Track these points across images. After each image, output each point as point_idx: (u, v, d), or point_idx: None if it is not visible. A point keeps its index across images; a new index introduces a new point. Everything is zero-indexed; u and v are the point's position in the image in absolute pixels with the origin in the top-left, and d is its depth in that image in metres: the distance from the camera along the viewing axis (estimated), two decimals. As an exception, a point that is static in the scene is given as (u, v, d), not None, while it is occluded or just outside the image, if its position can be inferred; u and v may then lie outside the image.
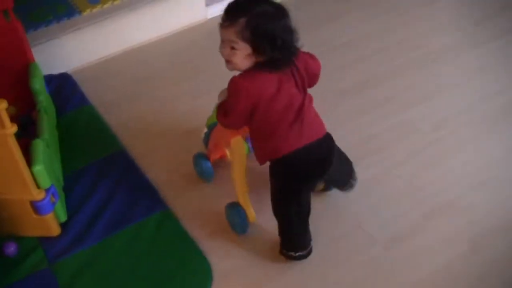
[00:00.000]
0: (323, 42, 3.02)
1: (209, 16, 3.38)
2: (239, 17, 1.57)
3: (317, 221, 2.02)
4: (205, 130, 2.26)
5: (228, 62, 1.66)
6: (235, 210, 2.00)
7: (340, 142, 2.16)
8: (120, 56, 3.15)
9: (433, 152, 2.33)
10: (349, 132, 2.44)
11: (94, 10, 3.15)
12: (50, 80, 2.86)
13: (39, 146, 2.06)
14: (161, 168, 2.37)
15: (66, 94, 2.82)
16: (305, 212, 1.82)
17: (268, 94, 1.62)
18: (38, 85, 2.47)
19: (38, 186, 2.00)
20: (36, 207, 2.01)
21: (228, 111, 1.69)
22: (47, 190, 2.03)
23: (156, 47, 3.21)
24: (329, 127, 2.26)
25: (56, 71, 2.96)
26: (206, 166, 2.21)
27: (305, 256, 1.91)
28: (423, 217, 2.07)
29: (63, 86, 2.87)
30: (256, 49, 1.59)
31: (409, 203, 2.12)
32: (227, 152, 2.17)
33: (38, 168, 1.97)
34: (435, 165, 2.27)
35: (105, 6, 3.17)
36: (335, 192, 2.15)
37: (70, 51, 3.03)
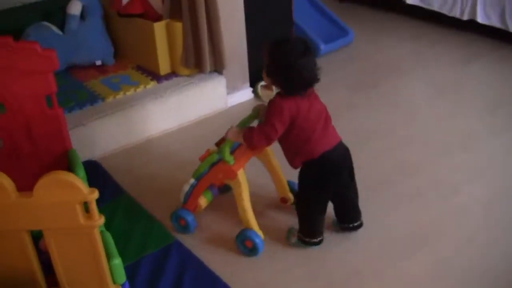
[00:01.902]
0: (352, 132, 3.05)
1: (229, 105, 3.38)
2: (265, 48, 2.03)
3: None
4: (192, 181, 2.31)
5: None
6: (253, 234, 2.22)
7: (396, 230, 2.37)
8: (146, 143, 3.09)
9: (491, 233, 2.34)
10: (404, 219, 2.44)
11: (118, 97, 3.09)
12: (79, 168, 2.72)
13: (110, 238, 1.92)
14: (219, 255, 2.29)
15: (99, 183, 2.64)
16: (326, 205, 2.22)
17: (303, 109, 2.02)
18: (81, 173, 2.33)
19: (114, 282, 1.84)
20: (112, 305, 1.84)
21: (274, 129, 2.03)
22: (122, 286, 1.87)
23: (180, 135, 3.16)
24: (381, 214, 2.45)
25: (82, 158, 2.82)
26: (191, 219, 2.36)
27: (319, 243, 2.26)
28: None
29: (95, 175, 2.73)
30: (268, 73, 2.05)
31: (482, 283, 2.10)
32: (201, 202, 2.37)
33: (117, 262, 1.83)
34: (500, 245, 2.27)
35: (128, 93, 3.12)
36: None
37: (96, 138, 2.93)
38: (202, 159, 2.31)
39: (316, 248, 2.28)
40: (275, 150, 2.34)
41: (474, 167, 2.76)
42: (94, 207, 1.70)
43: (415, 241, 2.30)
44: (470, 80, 3.63)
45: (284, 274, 2.18)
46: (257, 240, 2.23)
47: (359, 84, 3.64)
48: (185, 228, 2.39)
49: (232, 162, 2.18)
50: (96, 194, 1.68)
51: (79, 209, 1.69)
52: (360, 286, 2.11)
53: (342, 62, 3.97)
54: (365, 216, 2.42)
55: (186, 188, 2.34)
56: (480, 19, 4.08)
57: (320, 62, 3.80)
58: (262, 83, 3.51)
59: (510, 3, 3.89)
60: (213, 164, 2.26)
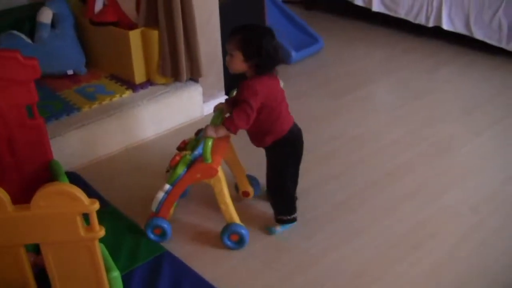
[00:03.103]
0: (333, 137, 3.10)
1: (206, 113, 3.35)
2: (237, 34, 2.17)
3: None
4: (167, 187, 2.28)
5: (229, 66, 2.22)
6: (238, 227, 2.29)
7: (389, 233, 2.39)
8: (124, 153, 3.03)
9: (481, 234, 2.37)
10: (396, 220, 2.46)
11: (93, 107, 3.02)
12: (58, 180, 2.63)
13: (105, 251, 1.86)
14: (211, 262, 2.27)
15: (81, 195, 2.59)
16: (297, 178, 2.43)
17: (273, 89, 2.20)
18: (65, 185, 2.26)
19: (112, 296, 1.79)
20: (112, 319, 1.77)
21: (251, 108, 2.14)
22: (121, 299, 1.81)
23: (157, 144, 3.12)
24: (373, 218, 2.47)
25: (59, 170, 2.74)
26: (167, 226, 2.34)
27: (296, 219, 2.41)
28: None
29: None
30: (245, 56, 2.15)
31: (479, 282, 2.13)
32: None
33: (115, 274, 1.78)
34: (488, 246, 2.31)
35: (104, 102, 3.05)
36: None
37: (74, 148, 2.85)
38: (174, 163, 2.30)
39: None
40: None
41: (459, 168, 2.82)
42: (95, 218, 1.65)
43: (410, 244, 2.31)
44: (441, 86, 3.71)
45: (282, 281, 2.16)
46: (243, 231, 2.29)
47: (334, 91, 3.66)
48: (161, 237, 2.36)
49: (210, 160, 2.21)
50: (97, 205, 1.64)
51: (79, 220, 1.63)
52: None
53: (315, 69, 4.00)
54: (358, 220, 2.45)
55: (161, 195, 2.30)
56: (445, 25, 4.18)
57: (293, 69, 3.94)
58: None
59: (474, 10, 4.01)
60: (189, 166, 2.27)
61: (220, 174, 2.24)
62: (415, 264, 2.21)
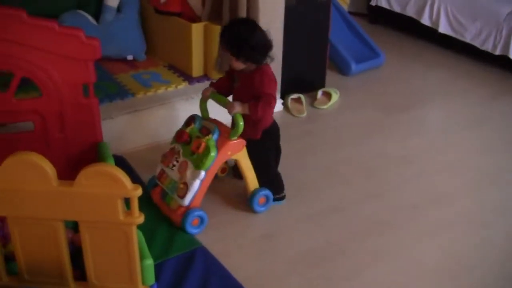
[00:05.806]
0: (382, 154, 3.04)
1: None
2: (224, 37, 2.35)
3: None
4: (202, 174, 2.30)
5: (232, 66, 2.41)
6: (262, 189, 2.47)
7: (424, 260, 2.32)
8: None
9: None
10: (433, 248, 2.39)
11: (148, 94, 3.04)
12: (104, 162, 2.66)
13: (142, 238, 1.86)
14: (244, 261, 2.25)
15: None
16: (278, 158, 2.64)
17: None
18: (112, 167, 2.28)
19: (143, 282, 1.79)
20: (140, 307, 1.78)
21: (275, 100, 2.33)
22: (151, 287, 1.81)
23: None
24: (408, 243, 2.41)
25: (108, 151, 2.77)
26: (203, 213, 2.36)
27: (285, 197, 2.60)
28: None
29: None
30: (237, 56, 2.32)
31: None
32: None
33: (149, 262, 1.78)
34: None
35: (159, 91, 3.07)
36: None
37: (124, 132, 2.88)
38: (203, 150, 2.32)
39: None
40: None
41: (504, 202, 2.71)
42: (135, 204, 1.65)
43: (445, 273, 2.24)
44: (497, 116, 3.58)
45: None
46: (266, 192, 2.49)
47: (388, 107, 3.59)
48: (199, 226, 2.37)
49: (236, 137, 2.34)
50: (139, 191, 1.64)
51: (120, 204, 1.64)
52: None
53: (372, 83, 3.93)
54: (391, 244, 2.40)
55: (197, 183, 2.31)
56: (513, 55, 4.06)
57: (351, 81, 3.88)
58: (292, 95, 3.48)
59: (544, 43, 3.88)
60: (216, 147, 2.32)
61: (245, 151, 2.40)
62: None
